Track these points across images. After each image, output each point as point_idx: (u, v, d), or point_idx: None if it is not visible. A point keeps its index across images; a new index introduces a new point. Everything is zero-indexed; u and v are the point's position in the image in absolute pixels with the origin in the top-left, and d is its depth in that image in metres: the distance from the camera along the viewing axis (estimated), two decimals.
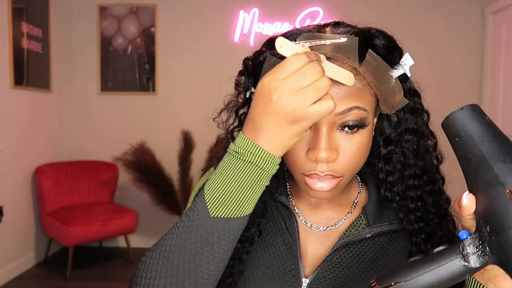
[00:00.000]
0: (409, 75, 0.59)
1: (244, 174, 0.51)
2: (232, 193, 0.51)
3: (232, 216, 0.52)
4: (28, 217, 3.13)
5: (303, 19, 3.45)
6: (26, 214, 3.10)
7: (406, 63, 0.57)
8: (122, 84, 3.60)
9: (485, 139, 0.40)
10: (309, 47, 0.53)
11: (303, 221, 0.67)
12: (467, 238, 0.42)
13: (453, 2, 3.44)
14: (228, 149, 0.53)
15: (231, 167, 0.51)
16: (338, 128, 0.56)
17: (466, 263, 0.41)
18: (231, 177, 0.51)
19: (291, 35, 0.58)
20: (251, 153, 0.50)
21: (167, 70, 3.57)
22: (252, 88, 0.62)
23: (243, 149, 0.50)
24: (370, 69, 0.55)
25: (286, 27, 3.46)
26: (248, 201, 0.52)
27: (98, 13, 3.54)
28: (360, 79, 0.55)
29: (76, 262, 3.11)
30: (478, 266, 0.41)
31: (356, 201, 0.68)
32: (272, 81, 0.47)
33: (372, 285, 0.45)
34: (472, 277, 0.48)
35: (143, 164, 3.14)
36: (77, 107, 3.63)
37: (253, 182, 0.51)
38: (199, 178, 0.77)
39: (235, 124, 0.67)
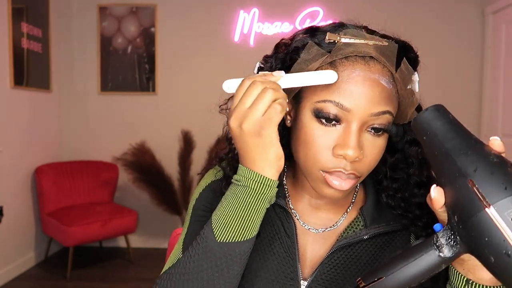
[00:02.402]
0: (417, 90, 0.60)
1: (243, 199, 0.54)
2: (235, 218, 0.54)
3: (237, 240, 0.54)
4: (28, 217, 3.13)
5: (303, 19, 3.45)
6: (26, 214, 3.10)
7: (415, 79, 0.59)
8: (122, 84, 3.59)
9: (448, 135, 0.43)
10: (352, 43, 0.54)
11: (301, 223, 0.67)
12: (440, 230, 0.44)
13: (453, 2, 3.44)
14: (232, 180, 0.57)
15: (232, 194, 0.55)
16: (366, 129, 0.56)
17: (440, 254, 0.43)
18: (233, 203, 0.54)
19: (333, 28, 0.57)
20: (247, 178, 0.54)
21: (167, 70, 3.57)
22: None
23: (241, 176, 0.54)
24: (402, 78, 0.56)
25: (286, 27, 3.45)
26: (251, 224, 0.54)
27: (98, 13, 3.54)
28: (394, 86, 0.56)
29: (76, 262, 3.11)
30: (451, 255, 0.43)
31: (353, 201, 0.68)
32: (230, 114, 0.54)
33: (358, 283, 0.47)
34: (454, 269, 0.49)
35: (143, 164, 3.14)
36: (77, 107, 3.63)
37: (252, 206, 0.54)
38: (199, 180, 0.77)
39: None
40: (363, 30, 0.57)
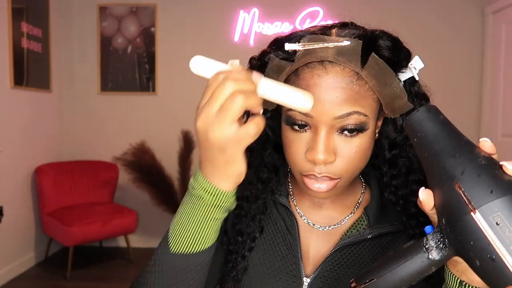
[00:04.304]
0: (417, 78, 0.58)
1: (195, 210, 0.52)
2: (189, 228, 0.53)
3: (189, 252, 0.53)
4: (28, 217, 3.13)
5: (303, 19, 3.45)
6: (26, 214, 3.10)
7: (415, 66, 0.57)
8: (122, 84, 3.60)
9: (438, 137, 0.43)
10: (312, 49, 0.54)
11: (305, 221, 0.67)
12: (430, 232, 0.44)
13: (453, 2, 3.44)
14: (188, 184, 0.54)
15: (187, 203, 0.53)
16: (337, 131, 0.56)
17: (429, 256, 0.43)
18: (187, 213, 0.52)
19: (295, 37, 0.58)
20: (203, 188, 0.51)
21: (167, 70, 3.57)
22: None
23: (197, 184, 0.51)
24: (373, 73, 0.54)
25: (286, 27, 3.46)
26: (203, 236, 0.53)
27: (98, 13, 3.54)
28: (362, 84, 0.55)
29: (76, 262, 3.11)
30: (439, 258, 0.43)
31: (359, 201, 0.69)
32: (197, 109, 0.47)
33: (352, 285, 0.47)
34: (448, 271, 0.49)
35: (143, 164, 3.14)
36: (77, 107, 3.63)
37: (204, 217, 0.52)
38: None
39: (245, 119, 0.68)
40: (333, 30, 0.57)
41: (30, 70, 3.08)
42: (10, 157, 2.86)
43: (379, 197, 0.67)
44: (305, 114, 0.55)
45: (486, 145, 0.41)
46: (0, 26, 2.75)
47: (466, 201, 0.38)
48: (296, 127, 0.56)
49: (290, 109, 0.56)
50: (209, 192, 0.50)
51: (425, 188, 0.45)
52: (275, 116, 0.65)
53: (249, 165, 0.67)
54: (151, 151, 3.25)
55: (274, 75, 0.58)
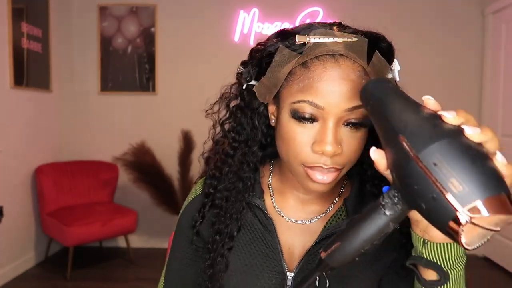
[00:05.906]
0: (397, 79, 0.61)
1: None
2: None
3: None
4: (28, 217, 3.13)
5: (303, 19, 3.45)
6: (26, 214, 3.10)
7: (395, 68, 0.60)
8: (122, 84, 3.60)
9: (387, 101, 0.46)
10: (322, 43, 0.56)
11: (286, 219, 0.69)
12: (387, 191, 0.47)
13: (453, 2, 3.44)
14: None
15: None
16: (343, 124, 0.57)
17: (386, 212, 0.45)
18: None
19: (303, 30, 0.59)
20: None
21: (167, 70, 3.57)
22: (253, 81, 0.64)
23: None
24: (375, 70, 0.57)
25: (286, 27, 3.45)
26: None
27: (98, 13, 3.54)
28: (367, 79, 0.57)
29: (76, 262, 3.11)
30: (394, 213, 0.45)
31: (340, 192, 0.71)
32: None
33: (321, 254, 0.49)
34: (414, 233, 0.51)
35: (143, 164, 3.14)
36: (77, 107, 3.63)
37: None
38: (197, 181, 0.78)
39: (227, 116, 0.69)
40: (334, 27, 0.58)
41: (30, 70, 3.08)
42: (10, 157, 2.86)
43: (358, 188, 0.69)
44: (317, 106, 0.56)
45: (429, 102, 0.44)
46: (0, 26, 2.75)
47: (408, 149, 0.40)
48: (302, 120, 0.57)
49: (296, 102, 0.57)
50: None
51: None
52: (264, 111, 0.67)
53: (231, 165, 0.68)
54: (151, 151, 3.25)
55: (281, 65, 0.59)
